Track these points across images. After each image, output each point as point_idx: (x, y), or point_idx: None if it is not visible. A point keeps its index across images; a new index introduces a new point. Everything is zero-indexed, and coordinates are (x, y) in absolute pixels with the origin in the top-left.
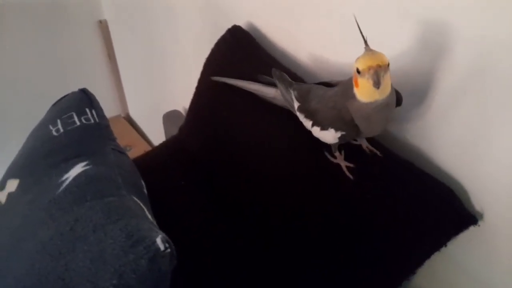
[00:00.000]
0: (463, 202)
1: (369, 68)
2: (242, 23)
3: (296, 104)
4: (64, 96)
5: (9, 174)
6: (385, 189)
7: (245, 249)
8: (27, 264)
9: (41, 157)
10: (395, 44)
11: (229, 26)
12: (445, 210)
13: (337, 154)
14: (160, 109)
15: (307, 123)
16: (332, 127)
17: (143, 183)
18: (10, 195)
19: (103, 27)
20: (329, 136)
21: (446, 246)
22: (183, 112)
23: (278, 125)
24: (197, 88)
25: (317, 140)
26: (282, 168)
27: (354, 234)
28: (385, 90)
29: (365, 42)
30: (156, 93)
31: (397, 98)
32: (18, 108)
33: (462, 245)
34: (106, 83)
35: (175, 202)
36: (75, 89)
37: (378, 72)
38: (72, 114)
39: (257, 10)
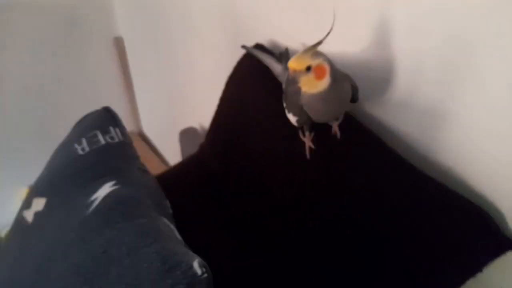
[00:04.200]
0: (499, 225)
1: (290, 69)
2: (264, 41)
3: (283, 86)
4: (88, 114)
5: (36, 193)
6: (416, 211)
7: (271, 271)
8: (59, 285)
9: (68, 176)
10: None
11: (252, 44)
12: (480, 234)
13: (306, 134)
14: (175, 125)
15: (284, 105)
16: (291, 111)
17: (168, 203)
18: (37, 214)
19: (119, 43)
20: (291, 119)
21: (481, 271)
22: (199, 129)
23: (299, 143)
24: (219, 106)
25: (337, 157)
26: (304, 188)
27: (385, 260)
28: (317, 86)
29: (319, 42)
30: (171, 109)
31: (353, 93)
32: (32, 122)
33: (499, 271)
34: (120, 99)
35: (198, 222)
36: (89, 104)
37: (295, 74)
38: (96, 133)
39: (280, 28)
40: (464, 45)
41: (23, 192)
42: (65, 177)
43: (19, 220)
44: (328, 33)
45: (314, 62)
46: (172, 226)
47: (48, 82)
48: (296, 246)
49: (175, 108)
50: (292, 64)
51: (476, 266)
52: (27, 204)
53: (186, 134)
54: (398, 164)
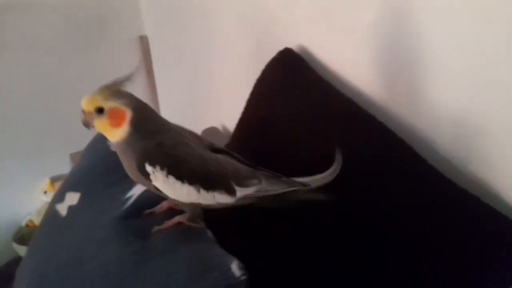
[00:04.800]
0: None
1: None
2: (293, 46)
3: None
4: None
5: (68, 187)
6: (456, 227)
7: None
8: (86, 284)
9: (101, 172)
10: None
11: (279, 48)
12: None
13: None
14: (197, 125)
15: None
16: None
17: None
18: (71, 208)
19: (144, 42)
20: None
21: None
22: (221, 129)
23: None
24: (246, 108)
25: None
26: None
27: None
28: (112, 135)
29: (124, 79)
30: (193, 109)
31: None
32: (55, 118)
33: None
34: (142, 98)
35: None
36: None
37: (85, 116)
38: None
39: (309, 32)
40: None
41: (44, 184)
42: (98, 173)
43: (52, 212)
44: (133, 73)
45: (109, 104)
46: (203, 225)
47: (72, 79)
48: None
49: (197, 108)
50: (82, 102)
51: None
52: (59, 197)
53: (208, 134)
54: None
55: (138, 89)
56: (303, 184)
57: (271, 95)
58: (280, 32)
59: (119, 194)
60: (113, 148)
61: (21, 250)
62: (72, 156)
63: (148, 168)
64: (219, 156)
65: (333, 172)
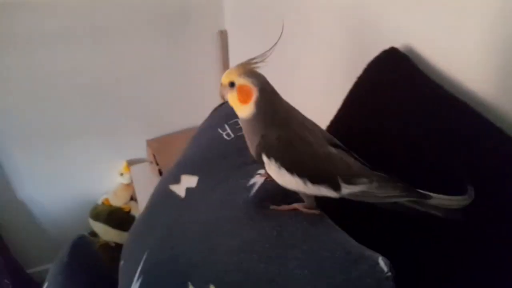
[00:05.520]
0: None
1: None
2: (399, 45)
3: None
4: (224, 102)
5: (183, 170)
6: None
7: None
8: (231, 260)
9: (217, 158)
10: None
11: (381, 47)
12: None
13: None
14: None
15: None
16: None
17: None
18: (189, 190)
19: (223, 37)
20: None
21: None
22: None
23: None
24: (343, 106)
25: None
26: None
27: None
28: (240, 109)
29: (259, 58)
30: None
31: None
32: (134, 105)
33: None
34: (217, 91)
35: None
36: (187, 92)
37: (221, 88)
38: (237, 121)
39: (417, 31)
40: None
41: (121, 166)
42: (214, 159)
43: (167, 192)
44: (271, 48)
45: (240, 80)
46: (319, 211)
47: (153, 68)
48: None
49: None
50: (222, 76)
51: None
52: (173, 179)
53: None
54: None
55: (213, 82)
56: (422, 195)
57: (374, 94)
58: (385, 31)
59: (241, 180)
60: (240, 123)
61: (96, 226)
62: (149, 142)
63: (264, 158)
64: (334, 151)
65: (461, 201)
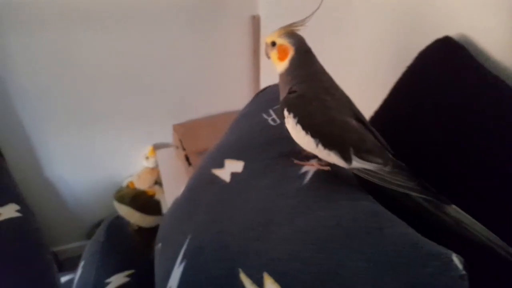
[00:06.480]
0: None
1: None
2: (454, 34)
3: None
4: (269, 87)
5: (226, 154)
6: None
7: None
8: (286, 248)
9: (263, 144)
10: None
11: (432, 37)
12: None
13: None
14: None
15: None
16: None
17: None
18: (234, 175)
19: (255, 22)
20: None
21: None
22: None
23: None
24: (390, 96)
25: None
26: None
27: None
28: (278, 65)
29: (298, 23)
30: None
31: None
32: (161, 89)
33: None
34: (245, 77)
35: None
36: (216, 80)
37: (266, 46)
38: None
39: (474, 19)
40: None
41: (147, 150)
42: (260, 145)
43: (209, 177)
44: (312, 13)
45: (280, 40)
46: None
47: (181, 53)
48: None
49: None
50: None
51: None
52: (216, 163)
53: None
54: None
55: (243, 68)
56: (439, 198)
57: (425, 85)
58: (440, 20)
59: (291, 168)
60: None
61: (120, 208)
62: (175, 127)
63: (285, 112)
64: (353, 123)
65: (494, 242)
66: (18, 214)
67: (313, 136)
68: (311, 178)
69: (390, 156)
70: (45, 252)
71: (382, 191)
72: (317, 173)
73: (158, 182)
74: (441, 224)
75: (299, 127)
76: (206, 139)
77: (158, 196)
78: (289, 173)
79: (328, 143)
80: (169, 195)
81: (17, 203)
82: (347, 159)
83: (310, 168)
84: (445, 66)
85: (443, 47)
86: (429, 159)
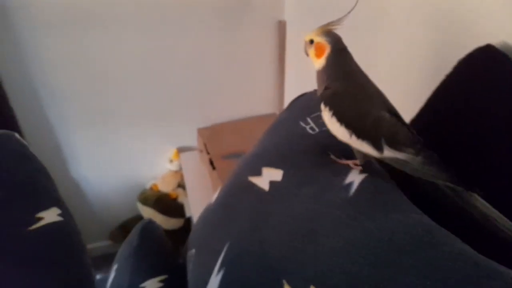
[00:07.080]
0: None
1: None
2: (496, 42)
3: None
4: (306, 94)
5: (264, 162)
6: None
7: None
8: (333, 261)
9: (302, 152)
10: None
11: (471, 45)
12: None
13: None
14: None
15: None
16: None
17: None
18: (274, 183)
19: (281, 27)
20: None
21: None
22: None
23: None
24: (428, 104)
25: None
26: None
27: None
28: (315, 62)
29: (335, 22)
30: None
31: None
32: (186, 93)
33: None
34: (270, 82)
35: None
36: (242, 84)
37: (305, 44)
38: (320, 114)
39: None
40: None
41: (171, 153)
42: (299, 154)
43: (245, 184)
44: (348, 13)
45: (317, 38)
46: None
47: (206, 56)
48: None
49: None
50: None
51: None
52: (253, 171)
53: None
54: None
55: (267, 73)
56: (466, 186)
57: (465, 94)
58: (476, 26)
59: (335, 177)
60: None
61: (144, 210)
62: (200, 131)
63: (322, 105)
64: (386, 116)
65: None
66: (60, 218)
67: (347, 127)
68: (357, 189)
69: (423, 147)
70: (86, 257)
71: (408, 182)
72: (363, 185)
73: (181, 185)
74: (468, 217)
75: (334, 119)
76: (231, 143)
77: (181, 199)
78: (332, 184)
79: (361, 134)
80: (193, 198)
81: (59, 207)
82: (379, 149)
83: (355, 179)
84: (486, 76)
85: (484, 56)
86: (469, 169)
